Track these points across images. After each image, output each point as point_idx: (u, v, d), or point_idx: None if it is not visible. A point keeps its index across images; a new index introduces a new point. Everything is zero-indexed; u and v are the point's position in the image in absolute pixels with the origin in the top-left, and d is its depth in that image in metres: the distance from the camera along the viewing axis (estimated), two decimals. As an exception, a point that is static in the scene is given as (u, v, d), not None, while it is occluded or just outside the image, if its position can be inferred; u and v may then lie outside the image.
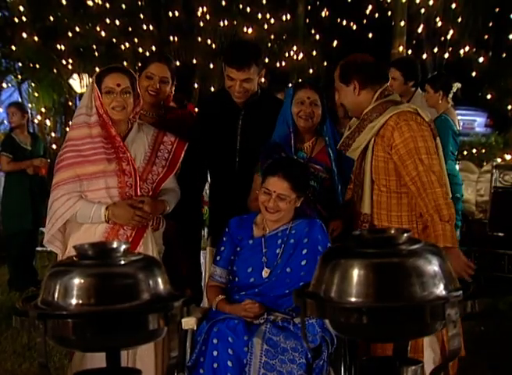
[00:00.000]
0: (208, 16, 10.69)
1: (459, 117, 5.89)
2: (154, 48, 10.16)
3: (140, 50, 10.26)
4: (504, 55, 11.31)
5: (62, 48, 10.33)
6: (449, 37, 10.94)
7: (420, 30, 10.83)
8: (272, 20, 10.85)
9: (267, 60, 3.68)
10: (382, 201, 3.27)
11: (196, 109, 4.59)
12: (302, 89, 3.72)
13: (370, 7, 11.00)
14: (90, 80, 3.36)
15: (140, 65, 3.96)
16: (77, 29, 10.32)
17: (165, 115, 3.90)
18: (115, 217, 3.27)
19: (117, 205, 3.27)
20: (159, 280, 1.73)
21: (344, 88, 3.33)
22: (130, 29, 10.61)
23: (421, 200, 3.15)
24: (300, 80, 10.07)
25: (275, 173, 3.30)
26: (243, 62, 3.73)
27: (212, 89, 10.12)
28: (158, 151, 3.44)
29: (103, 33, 10.30)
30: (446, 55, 11.10)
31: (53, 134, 10.97)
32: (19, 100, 11.44)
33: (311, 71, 10.94)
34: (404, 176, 3.20)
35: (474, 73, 11.01)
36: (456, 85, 5.64)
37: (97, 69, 3.46)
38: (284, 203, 3.29)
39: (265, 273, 3.34)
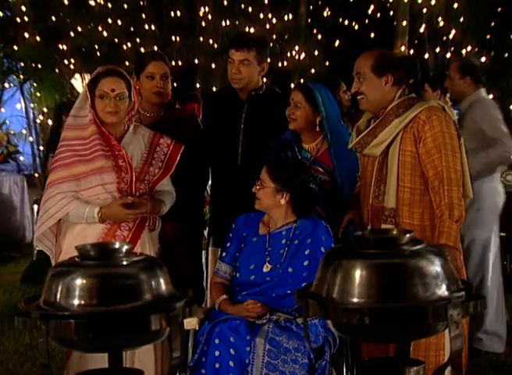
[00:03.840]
0: (209, 16, 10.68)
1: (461, 117, 5.87)
2: (156, 48, 10.15)
3: (142, 50, 10.24)
4: (506, 54, 11.28)
5: (64, 48, 10.32)
6: (451, 36, 10.91)
7: (422, 29, 10.81)
8: (274, 20, 10.83)
9: (269, 60, 3.66)
10: (404, 197, 3.22)
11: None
12: (292, 91, 3.80)
13: (372, 7, 10.98)
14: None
15: (135, 67, 3.92)
16: (79, 29, 10.30)
17: (166, 114, 3.89)
18: (107, 218, 3.28)
19: (109, 206, 3.27)
20: (161, 280, 1.73)
21: (374, 80, 3.25)
22: (132, 29, 10.60)
23: (438, 195, 3.13)
24: (301, 80, 10.08)
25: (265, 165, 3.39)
26: (242, 43, 3.84)
27: (214, 89, 10.12)
28: (154, 152, 3.46)
29: (105, 34, 10.29)
30: (448, 55, 11.08)
31: (55, 134, 10.95)
32: (21, 100, 11.43)
33: (313, 71, 10.92)
34: (428, 170, 3.16)
35: (476, 73, 10.96)
36: (455, 85, 5.61)
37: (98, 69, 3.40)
38: (262, 190, 3.34)
39: (266, 267, 3.34)
